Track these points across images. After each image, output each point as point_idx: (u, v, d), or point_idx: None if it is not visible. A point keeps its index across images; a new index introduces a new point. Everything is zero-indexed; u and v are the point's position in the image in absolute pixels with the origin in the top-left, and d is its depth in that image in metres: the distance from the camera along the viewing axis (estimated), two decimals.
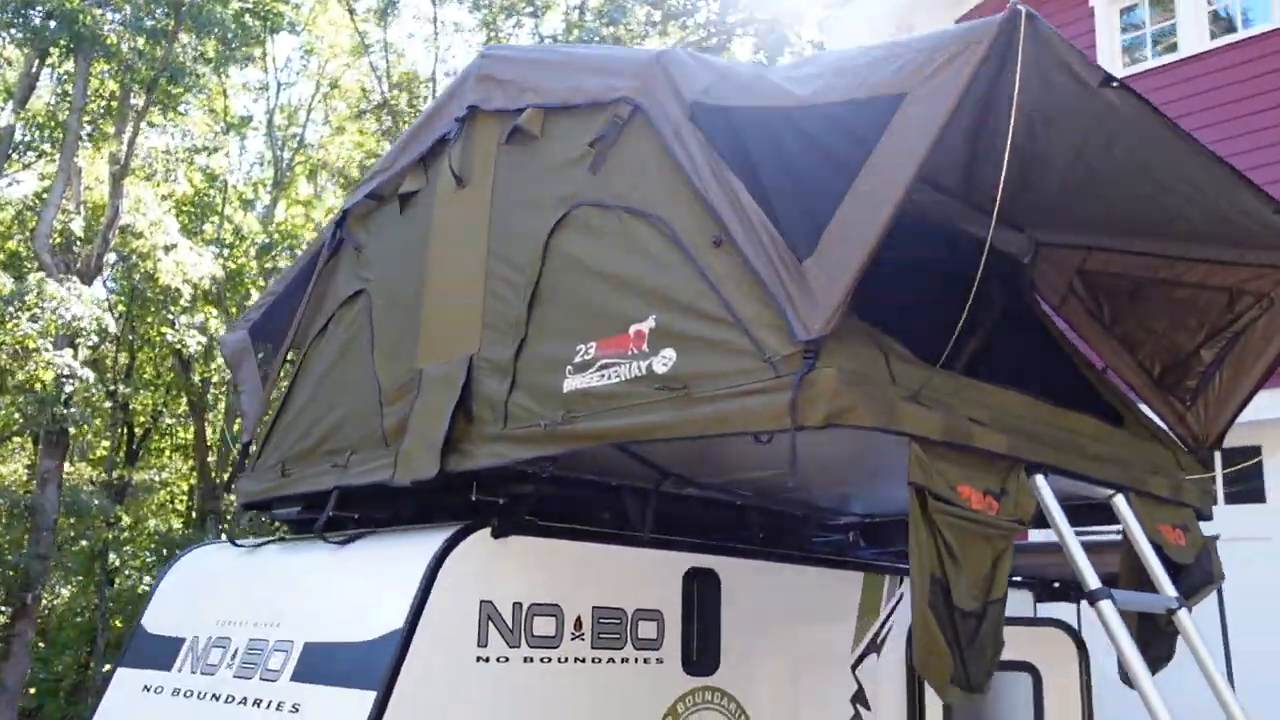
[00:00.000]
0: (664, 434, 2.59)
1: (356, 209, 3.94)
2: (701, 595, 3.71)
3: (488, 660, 3.13)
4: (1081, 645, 3.97)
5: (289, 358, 4.21)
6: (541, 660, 3.24)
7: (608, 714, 3.41)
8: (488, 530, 3.16)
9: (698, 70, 2.82)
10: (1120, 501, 3.17)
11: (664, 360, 2.62)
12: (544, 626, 3.28)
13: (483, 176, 3.38)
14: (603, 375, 2.77)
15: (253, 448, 4.22)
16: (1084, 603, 4.52)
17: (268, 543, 4.08)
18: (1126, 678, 2.72)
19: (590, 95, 3.05)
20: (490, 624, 3.15)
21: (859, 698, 4.29)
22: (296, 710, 3.14)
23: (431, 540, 3.17)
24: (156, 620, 4.17)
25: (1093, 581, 2.63)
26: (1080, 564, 2.66)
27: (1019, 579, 5.35)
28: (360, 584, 3.32)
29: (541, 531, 3.32)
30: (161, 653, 3.96)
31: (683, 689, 3.62)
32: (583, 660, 3.36)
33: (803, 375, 2.29)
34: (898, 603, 4.61)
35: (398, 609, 3.00)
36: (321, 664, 3.17)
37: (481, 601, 3.14)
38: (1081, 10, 9.14)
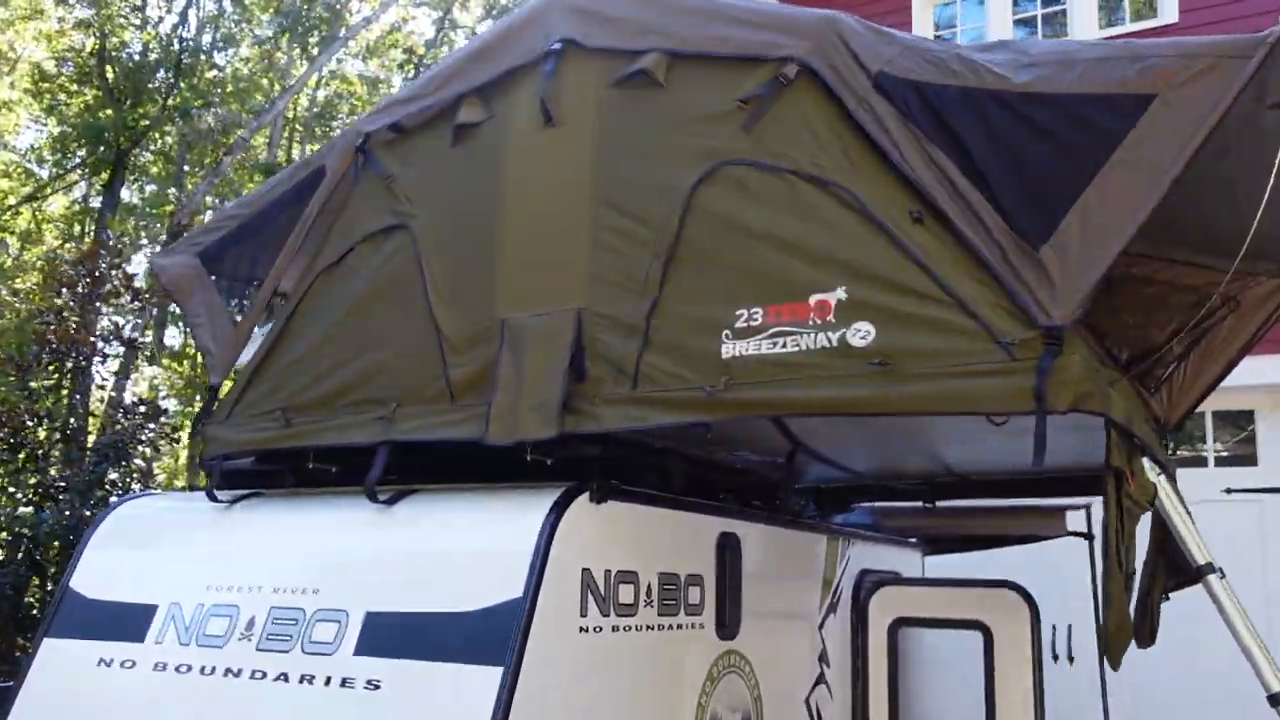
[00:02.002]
0: (864, 409, 2.58)
1: (380, 135, 3.55)
2: (730, 559, 3.71)
3: (586, 631, 2.99)
4: (1033, 605, 4.34)
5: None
6: (624, 630, 3.13)
7: (665, 683, 3.35)
8: (587, 495, 3.00)
9: (875, 40, 2.79)
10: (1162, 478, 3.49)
11: (860, 333, 2.60)
12: (626, 595, 3.17)
13: (581, 117, 3.16)
14: (775, 343, 2.70)
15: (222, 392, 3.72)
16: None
17: (244, 498, 3.64)
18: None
19: (739, 48, 2.93)
20: (589, 593, 3.01)
21: (824, 656, 4.47)
22: (376, 687, 2.85)
23: (534, 503, 2.97)
24: (95, 583, 3.61)
25: (1202, 557, 2.88)
26: (1189, 539, 2.90)
27: (912, 540, 5.77)
28: (441, 548, 3.04)
29: (625, 496, 3.20)
30: (116, 621, 3.44)
31: (716, 653, 3.63)
32: (651, 628, 3.28)
33: (1051, 361, 2.36)
34: (847, 565, 4.83)
35: (513, 575, 2.79)
36: (401, 636, 2.89)
37: (583, 570, 2.98)
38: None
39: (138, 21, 23.94)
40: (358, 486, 3.60)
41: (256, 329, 3.76)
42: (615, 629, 3.11)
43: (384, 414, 3.24)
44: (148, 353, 17.66)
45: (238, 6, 24.89)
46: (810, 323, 2.67)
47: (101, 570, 3.64)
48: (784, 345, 2.69)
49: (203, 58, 24.50)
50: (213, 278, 3.87)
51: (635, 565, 3.22)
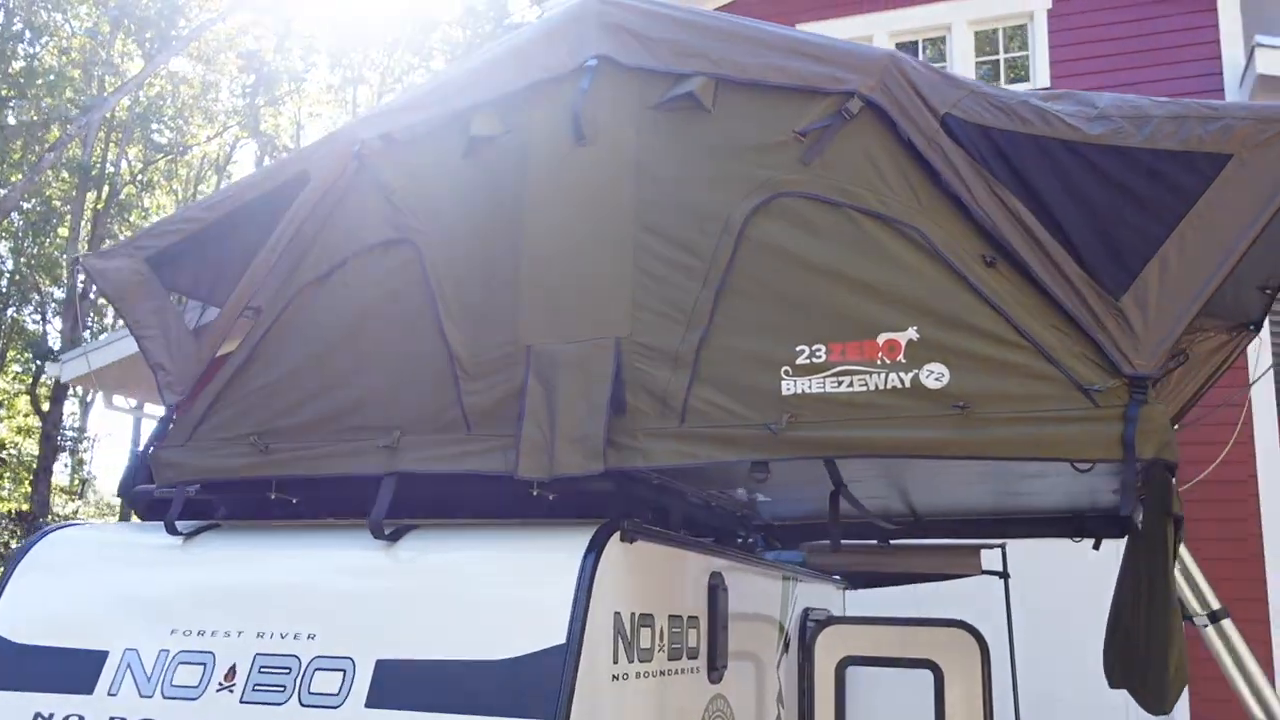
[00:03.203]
0: (940, 452, 2.54)
1: (378, 143, 3.30)
2: (720, 600, 3.61)
3: (617, 679, 2.83)
4: (983, 645, 4.41)
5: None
6: (642, 676, 2.98)
7: None
8: (618, 534, 2.85)
9: (940, 81, 2.78)
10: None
11: (934, 375, 2.57)
12: (645, 639, 3.02)
13: (618, 138, 3.02)
14: (840, 382, 2.64)
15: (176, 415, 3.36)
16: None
17: (204, 529, 3.29)
18: None
19: (796, 79, 2.86)
20: (619, 638, 2.85)
21: (780, 696, 4.41)
22: None
23: (565, 542, 2.79)
24: (22, 625, 3.18)
25: (1215, 602, 2.98)
26: (1201, 583, 2.99)
27: (836, 575, 5.81)
28: (462, 590, 2.81)
29: (650, 536, 3.06)
30: (55, 670, 3.04)
31: (707, 699, 3.51)
32: (662, 674, 3.14)
33: (1138, 410, 2.38)
34: (795, 603, 4.80)
35: (554, 620, 2.61)
36: (422, 687, 2.65)
37: (614, 613, 2.83)
38: None
39: None
40: (329, 520, 3.34)
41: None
42: (637, 675, 2.96)
43: (387, 442, 3.00)
44: None
45: None
46: (879, 362, 2.62)
47: (30, 610, 3.21)
48: (850, 384, 2.63)
49: (9, 46, 22.77)
50: (173, 293, 3.51)
51: (651, 608, 3.08)
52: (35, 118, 20.16)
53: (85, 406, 31.80)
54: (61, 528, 3.45)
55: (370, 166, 3.29)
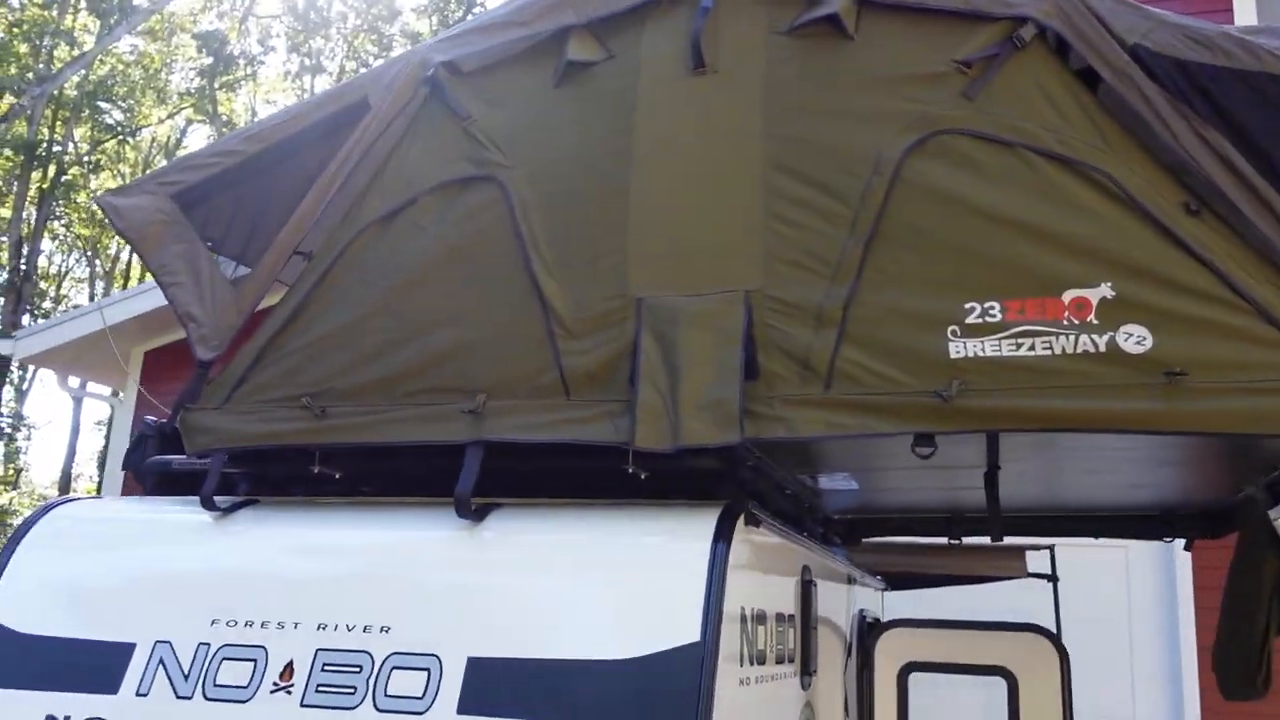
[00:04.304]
0: (1145, 425, 2.20)
1: (454, 66, 2.89)
2: (809, 597, 3.25)
3: (743, 684, 2.45)
4: (1063, 651, 4.10)
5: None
6: (757, 681, 2.61)
7: None
8: (743, 518, 2.48)
9: (1123, 9, 2.44)
10: None
11: (1133, 338, 2.23)
12: (760, 638, 2.65)
13: (743, 65, 2.64)
14: (1020, 344, 2.29)
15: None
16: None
17: (240, 506, 2.85)
18: None
19: (958, 1, 2.52)
20: (744, 637, 2.47)
21: (846, 705, 4.06)
22: None
23: (687, 525, 2.42)
24: (27, 613, 2.72)
25: None
26: None
27: (876, 577, 5.47)
28: (569, 578, 2.41)
29: (764, 523, 2.69)
30: (71, 665, 2.59)
31: (799, 707, 3.15)
32: (771, 679, 2.77)
33: None
34: (853, 605, 4.46)
35: (685, 614, 2.23)
36: (528, 690, 2.25)
37: (740, 608, 2.45)
38: None
39: None
40: (378, 497, 2.92)
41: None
42: (756, 680, 2.59)
43: (470, 407, 2.59)
44: None
45: None
46: (1066, 322, 2.28)
47: (36, 595, 2.76)
48: (1032, 347, 2.28)
49: None
50: (207, 237, 3.07)
51: (764, 603, 2.71)
52: None
53: (21, 394, 30.64)
54: (66, 501, 2.99)
55: (445, 94, 2.88)
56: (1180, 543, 8.04)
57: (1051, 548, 5.33)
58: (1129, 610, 8.18)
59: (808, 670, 3.16)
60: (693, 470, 2.63)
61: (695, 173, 2.62)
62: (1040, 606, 5.26)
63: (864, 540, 4.97)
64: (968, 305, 2.34)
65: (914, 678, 4.28)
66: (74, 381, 11.99)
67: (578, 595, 2.37)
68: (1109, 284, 2.27)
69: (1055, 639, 4.09)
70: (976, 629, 4.24)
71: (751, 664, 2.53)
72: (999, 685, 4.12)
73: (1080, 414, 2.23)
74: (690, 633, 2.21)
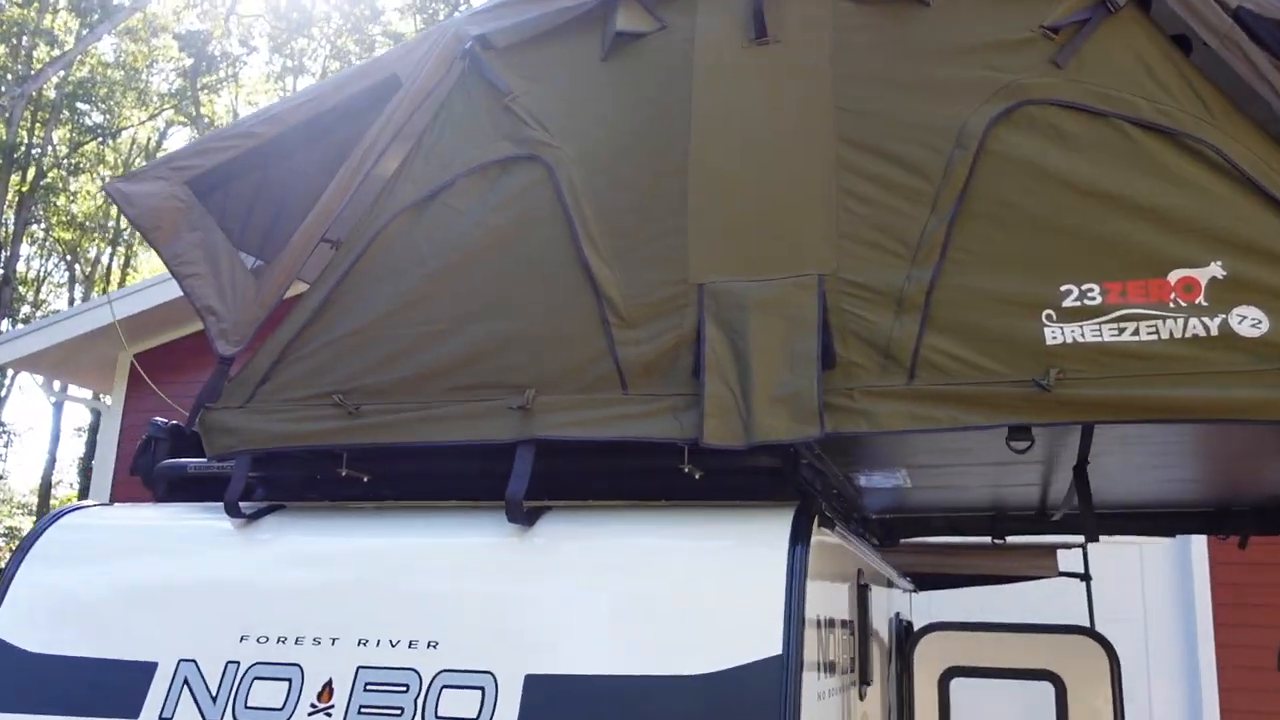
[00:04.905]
0: (1264, 415, 2.03)
1: (493, 39, 2.70)
2: (867, 602, 3.08)
3: (820, 698, 2.28)
4: (1113, 655, 3.94)
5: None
6: (828, 695, 2.43)
7: None
8: (816, 520, 2.30)
9: None
10: None
11: (1248, 320, 2.06)
12: (831, 648, 2.47)
13: (809, 35, 2.46)
14: (1122, 329, 2.12)
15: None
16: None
17: (265, 512, 2.65)
18: None
19: None
20: (819, 646, 2.29)
21: (889, 712, 3.89)
22: None
23: (757, 528, 2.24)
24: (35, 629, 2.51)
25: None
26: None
27: (906, 577, 5.31)
28: (632, 586, 2.23)
29: (833, 525, 2.51)
30: (86, 686, 2.39)
31: (859, 717, 2.97)
32: (838, 692, 2.59)
33: None
34: (891, 608, 4.29)
35: (764, 624, 2.05)
36: (590, 709, 2.07)
37: (817, 617, 2.27)
38: None
39: None
40: (404, 501, 2.72)
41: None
42: (829, 693, 2.41)
43: (519, 403, 2.40)
44: None
45: None
46: (1173, 305, 2.11)
47: (45, 610, 2.55)
48: (1137, 332, 2.11)
49: None
50: (226, 225, 2.86)
51: (834, 610, 2.54)
52: None
53: (0, 402, 30.16)
54: (77, 508, 2.78)
55: (483, 69, 2.69)
56: (1197, 540, 7.96)
57: (1084, 545, 5.18)
58: (1144, 608, 8.06)
59: (865, 679, 2.99)
60: (748, 469, 2.46)
61: (760, 148, 2.44)
62: (1058, 607, 5.14)
63: (902, 541, 4.80)
64: (1064, 288, 2.17)
65: (956, 683, 4.11)
66: (56, 386, 11.72)
67: (644, 605, 2.18)
68: (1219, 263, 2.10)
69: (1104, 641, 3.93)
70: (1020, 631, 4.08)
71: (826, 675, 2.36)
72: (1045, 690, 3.95)
73: (1191, 403, 2.06)
74: (771, 644, 2.03)
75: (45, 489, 27.82)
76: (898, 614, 4.43)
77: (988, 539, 5.03)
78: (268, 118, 2.89)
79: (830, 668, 2.44)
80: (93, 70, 28.77)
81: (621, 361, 2.39)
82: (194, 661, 2.34)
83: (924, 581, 5.44)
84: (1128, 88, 2.25)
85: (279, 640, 2.32)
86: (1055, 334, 2.15)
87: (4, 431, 30.46)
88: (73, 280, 33.01)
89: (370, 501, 2.70)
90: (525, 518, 2.34)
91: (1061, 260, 2.19)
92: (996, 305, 2.20)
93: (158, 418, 3.29)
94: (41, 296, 32.76)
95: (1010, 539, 4.96)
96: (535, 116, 2.62)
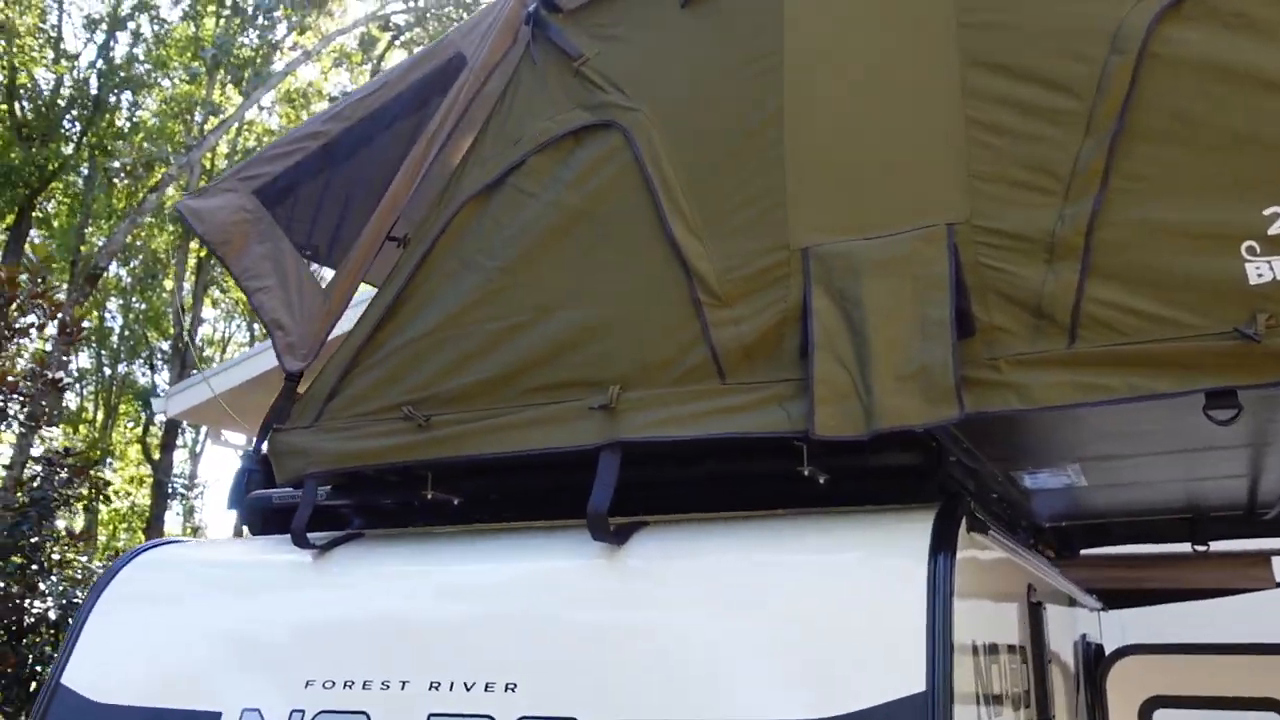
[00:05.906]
0: None
1: (554, 3, 2.42)
2: (1041, 623, 2.60)
3: None
4: None
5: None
6: None
7: None
8: (964, 527, 1.88)
9: None
10: None
11: None
12: (995, 679, 2.03)
13: None
14: None
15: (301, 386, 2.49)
16: None
17: (342, 541, 2.40)
18: None
19: None
20: (977, 678, 1.86)
21: None
22: None
23: (891, 538, 1.83)
24: (104, 678, 2.32)
25: None
26: None
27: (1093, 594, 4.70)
28: (748, 616, 1.85)
29: (987, 530, 2.07)
30: None
31: None
32: None
33: None
34: (1076, 630, 3.75)
35: (902, 656, 1.64)
36: None
37: (972, 643, 1.84)
38: None
39: (51, 55, 22.26)
40: (495, 523, 2.42)
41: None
42: None
43: (601, 402, 2.07)
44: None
45: (158, 47, 23.34)
46: None
47: (114, 658, 2.35)
48: None
49: (113, 98, 22.81)
50: (293, 236, 2.66)
51: (994, 634, 2.09)
52: (138, 158, 20.00)
53: (195, 456, 31.88)
54: (154, 546, 2.60)
55: (550, 33, 2.40)
56: None
57: None
58: None
59: (1045, 713, 2.50)
60: (882, 469, 2.06)
61: (867, 85, 2.05)
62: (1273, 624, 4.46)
63: (1082, 553, 4.23)
64: (1268, 211, 1.70)
65: (1159, 715, 3.53)
66: (227, 436, 12.10)
67: (755, 637, 1.80)
68: None
69: None
70: (1236, 653, 3.47)
71: (990, 712, 1.92)
72: None
73: None
74: (913, 680, 1.62)
75: (238, 535, 29.22)
76: (1084, 636, 3.87)
77: (1186, 546, 4.41)
78: (333, 114, 2.69)
79: (995, 701, 1.99)
80: (258, 139, 30.33)
81: (717, 346, 2.03)
82: (258, 711, 2.09)
83: (1112, 599, 4.82)
84: None
85: (345, 685, 2.04)
86: (1260, 270, 1.69)
87: (197, 484, 32.16)
88: (253, 340, 34.76)
89: (450, 525, 2.41)
90: (613, 536, 2.00)
91: (1263, 177, 1.72)
92: (1180, 240, 1.75)
93: (250, 448, 3.11)
94: (226, 356, 34.64)
95: (1214, 545, 4.33)
96: (609, 79, 2.31)
